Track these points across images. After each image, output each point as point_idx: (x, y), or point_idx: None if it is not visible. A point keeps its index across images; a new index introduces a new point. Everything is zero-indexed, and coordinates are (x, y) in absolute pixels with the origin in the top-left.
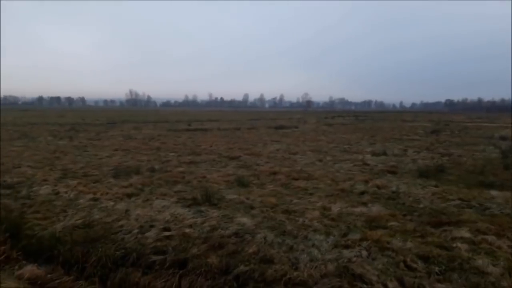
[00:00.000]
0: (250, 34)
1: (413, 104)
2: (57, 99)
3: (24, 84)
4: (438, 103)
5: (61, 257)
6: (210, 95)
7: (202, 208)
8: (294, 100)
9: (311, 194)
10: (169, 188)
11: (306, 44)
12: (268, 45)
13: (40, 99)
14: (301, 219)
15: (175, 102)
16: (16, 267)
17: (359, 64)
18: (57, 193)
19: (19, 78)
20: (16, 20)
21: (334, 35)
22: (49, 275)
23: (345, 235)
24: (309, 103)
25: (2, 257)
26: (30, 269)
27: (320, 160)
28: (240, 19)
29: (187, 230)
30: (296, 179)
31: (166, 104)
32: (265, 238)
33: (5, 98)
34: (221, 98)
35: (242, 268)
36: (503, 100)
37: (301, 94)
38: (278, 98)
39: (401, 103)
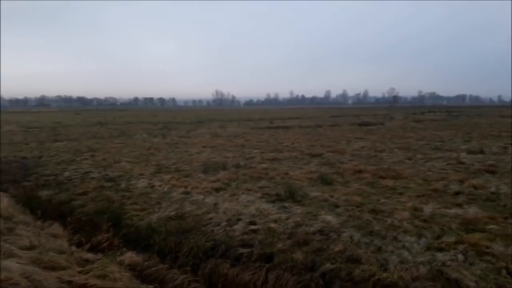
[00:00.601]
0: (330, 29)
1: None
2: (151, 99)
3: (122, 86)
4: None
5: (157, 246)
6: (291, 93)
7: (286, 204)
8: (379, 95)
9: (400, 193)
10: (254, 183)
11: (389, 35)
12: (349, 38)
13: (136, 100)
14: (389, 220)
15: (258, 100)
16: (118, 253)
17: (450, 55)
18: (152, 186)
19: (117, 81)
20: (113, 26)
21: (421, 21)
22: (146, 262)
23: (438, 237)
24: (395, 98)
25: (106, 243)
26: (129, 256)
27: (410, 158)
28: (318, 16)
29: (272, 225)
30: (383, 178)
31: (249, 103)
32: (351, 237)
33: (106, 99)
34: (302, 96)
35: (328, 266)
36: None
37: (387, 89)
38: (361, 93)
39: (499, 97)
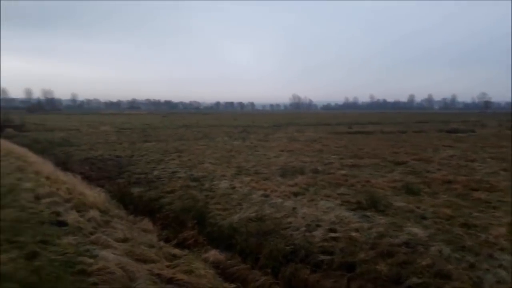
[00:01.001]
0: (414, 30)
1: None
2: (231, 104)
3: (205, 91)
4: None
5: (238, 246)
6: (372, 97)
7: (368, 213)
8: (468, 100)
9: (494, 207)
10: (333, 190)
11: (481, 35)
12: (435, 39)
13: (217, 104)
14: (483, 235)
15: (335, 104)
16: (202, 250)
17: None
18: (233, 187)
19: (201, 86)
20: (197, 34)
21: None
22: (228, 261)
23: None
24: (487, 103)
25: (191, 240)
26: (213, 254)
27: (505, 170)
28: (401, 18)
29: (353, 234)
30: (476, 190)
31: (327, 107)
32: (440, 251)
33: (190, 103)
34: (384, 100)
35: (414, 280)
36: None
37: (477, 93)
38: (449, 98)
39: None
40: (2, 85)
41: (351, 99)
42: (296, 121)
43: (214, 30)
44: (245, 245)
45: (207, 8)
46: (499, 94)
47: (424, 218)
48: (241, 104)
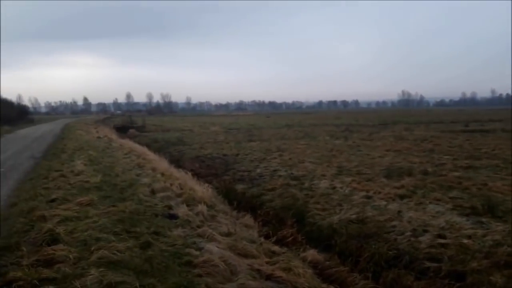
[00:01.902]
0: None
1: None
2: (334, 102)
3: (308, 90)
4: None
5: (337, 247)
6: (493, 91)
7: (483, 219)
8: None
9: None
10: (444, 193)
11: None
12: None
13: (320, 103)
14: None
15: (450, 101)
16: (301, 249)
17: None
18: (334, 187)
19: (304, 85)
20: (299, 34)
21: None
22: (327, 262)
23: None
24: None
25: (290, 238)
26: (311, 253)
27: None
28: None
29: (465, 241)
30: None
31: (440, 103)
32: None
33: (293, 103)
34: (507, 94)
35: None
36: None
37: None
38: None
39: None
40: (128, 90)
41: (468, 95)
42: (405, 119)
43: (316, 29)
44: (344, 246)
45: (308, 6)
46: None
47: None
48: (344, 102)
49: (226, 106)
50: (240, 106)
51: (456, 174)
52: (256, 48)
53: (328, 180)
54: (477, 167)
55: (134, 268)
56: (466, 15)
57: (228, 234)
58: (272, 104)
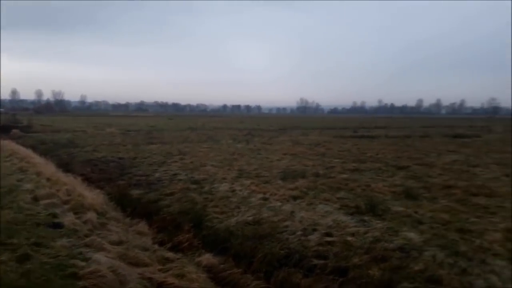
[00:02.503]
0: (423, 36)
1: None
2: (238, 107)
3: (212, 93)
4: None
5: (233, 250)
6: (380, 101)
7: (365, 218)
8: (477, 105)
9: (492, 213)
10: (332, 194)
11: (492, 40)
12: (445, 44)
13: (224, 106)
14: (478, 241)
15: (343, 108)
16: (196, 254)
17: None
18: (233, 190)
19: (208, 88)
20: (206, 37)
21: None
22: (222, 265)
23: None
24: (496, 109)
25: (186, 244)
26: (207, 257)
27: (507, 175)
28: (410, 24)
29: (349, 238)
30: (475, 195)
31: (334, 111)
32: (434, 256)
33: (197, 106)
34: (392, 104)
35: (405, 285)
36: None
37: (486, 99)
38: (457, 103)
39: None
40: (14, 87)
41: (358, 103)
42: (302, 125)
43: (221, 33)
44: (240, 248)
45: (216, 10)
46: (508, 99)
47: (420, 223)
48: (247, 107)
49: (126, 106)
50: (141, 107)
51: (344, 176)
52: (161, 48)
53: (229, 183)
54: (363, 170)
55: (8, 284)
56: (356, 29)
57: (119, 243)
58: (175, 106)
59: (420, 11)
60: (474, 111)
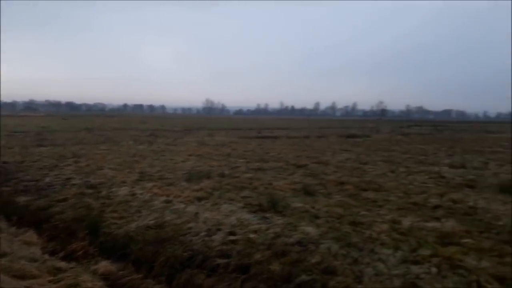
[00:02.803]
0: (322, 41)
1: (499, 114)
2: (140, 106)
3: (112, 92)
4: None
5: (133, 255)
6: (281, 104)
7: (267, 215)
8: (367, 108)
9: (380, 206)
10: (237, 193)
11: (382, 50)
12: (342, 51)
13: (125, 106)
14: (368, 232)
15: (248, 110)
16: (92, 262)
17: (439, 70)
18: (134, 194)
19: (107, 87)
20: (105, 33)
21: (412, 40)
22: (120, 272)
23: (414, 250)
24: (383, 111)
25: (81, 252)
26: (104, 265)
27: (392, 171)
28: (311, 26)
29: (251, 236)
30: (365, 190)
31: (239, 112)
32: (329, 248)
33: (95, 105)
34: (292, 107)
35: (304, 277)
36: None
37: (375, 102)
38: (350, 106)
39: (485, 112)
40: None
41: (262, 105)
42: (208, 125)
43: (123, 30)
44: (140, 253)
45: (118, 6)
46: (394, 103)
47: (317, 217)
48: (151, 107)
49: (12, 105)
50: (31, 106)
51: (248, 175)
52: (53, 42)
53: (129, 187)
54: (266, 169)
55: None
56: (261, 33)
57: (2, 255)
58: (70, 105)
59: (320, 22)
60: (365, 113)
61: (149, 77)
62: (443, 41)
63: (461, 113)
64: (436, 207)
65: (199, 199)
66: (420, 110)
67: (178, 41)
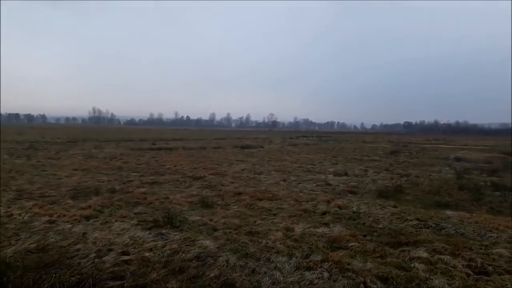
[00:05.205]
0: (217, 52)
1: (374, 126)
2: (16, 115)
3: None
4: (397, 124)
5: (11, 285)
6: (176, 114)
7: (164, 231)
8: (260, 119)
9: (274, 214)
10: (130, 209)
11: (273, 66)
12: (237, 63)
13: None
14: (264, 241)
15: (140, 120)
16: None
17: (323, 87)
18: (10, 215)
19: None
20: None
21: (302, 58)
22: None
23: (307, 256)
24: (274, 123)
25: None
26: None
27: (284, 180)
28: (206, 36)
29: (146, 254)
30: (261, 200)
31: (131, 122)
32: (227, 261)
33: None
34: (187, 117)
35: None
36: (457, 123)
37: (267, 114)
38: (244, 117)
39: (362, 124)
40: None
41: (156, 115)
42: (96, 137)
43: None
44: (19, 282)
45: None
46: (284, 115)
47: (215, 229)
48: (29, 116)
49: None
50: None
51: (142, 190)
52: None
53: (4, 207)
54: (161, 182)
55: None
56: (156, 40)
57: None
58: None
59: (204, 30)
60: (258, 124)
61: (26, 84)
62: (327, 61)
63: (342, 125)
64: (324, 213)
65: (87, 217)
66: (307, 121)
67: (59, 47)
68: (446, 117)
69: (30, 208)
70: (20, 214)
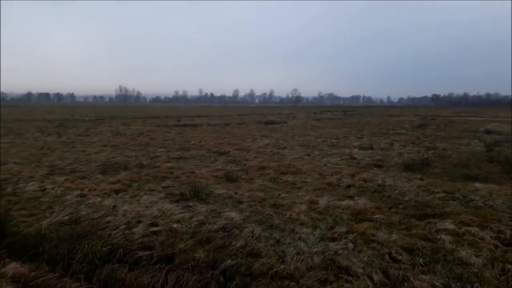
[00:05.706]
0: (239, 29)
1: (401, 99)
2: (46, 95)
3: (13, 80)
4: (425, 97)
5: (46, 254)
6: (200, 91)
7: (190, 203)
8: (283, 95)
9: (298, 188)
10: (157, 183)
11: (294, 37)
12: (259, 38)
13: (29, 95)
14: (288, 213)
15: (165, 98)
16: (0, 265)
17: (347, 59)
18: (44, 189)
19: (7, 75)
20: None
21: (320, 27)
22: (33, 273)
23: (331, 228)
24: (298, 98)
25: None
26: (13, 267)
27: (308, 155)
28: (230, 15)
29: (174, 225)
30: (284, 174)
31: (156, 99)
32: (252, 232)
33: None
34: (211, 94)
35: (229, 262)
36: (488, 95)
37: (291, 89)
38: (267, 93)
39: (388, 98)
40: None
41: (180, 93)
42: (123, 114)
43: (29, 13)
44: (54, 252)
45: None
46: (308, 90)
47: (240, 202)
48: (58, 96)
49: None
50: None
51: (169, 165)
52: None
53: (38, 182)
54: (187, 157)
55: None
56: (180, 20)
57: None
58: None
59: (232, 6)
60: (281, 100)
61: (58, 65)
62: (348, 32)
63: (368, 99)
64: (349, 186)
65: (117, 191)
66: (331, 96)
67: (84, 28)
68: (476, 89)
69: (62, 183)
70: (53, 189)
